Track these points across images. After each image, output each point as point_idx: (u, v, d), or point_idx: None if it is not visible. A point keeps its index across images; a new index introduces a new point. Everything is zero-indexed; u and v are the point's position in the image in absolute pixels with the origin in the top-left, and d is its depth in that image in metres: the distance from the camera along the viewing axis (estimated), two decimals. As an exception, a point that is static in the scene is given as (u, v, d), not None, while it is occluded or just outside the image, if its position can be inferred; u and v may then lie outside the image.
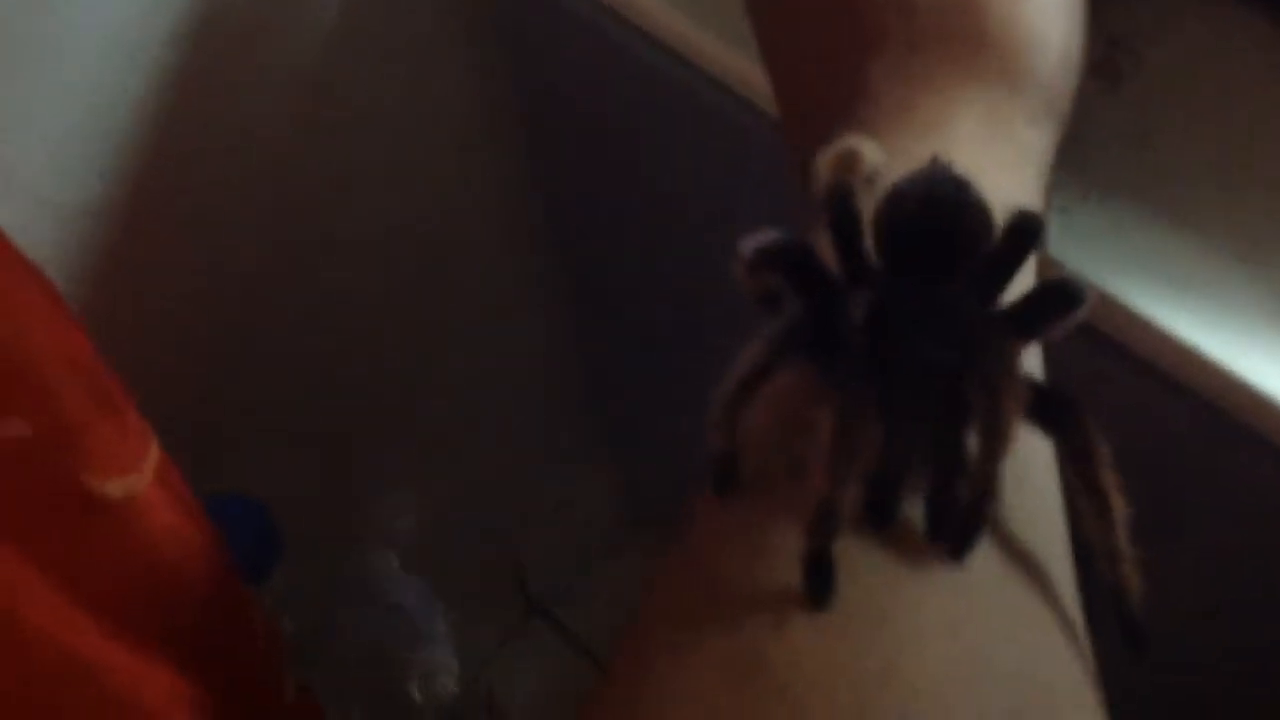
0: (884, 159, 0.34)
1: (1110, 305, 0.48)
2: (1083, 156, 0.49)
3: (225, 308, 0.75)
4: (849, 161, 0.33)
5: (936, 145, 0.38)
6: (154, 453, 0.47)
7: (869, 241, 0.32)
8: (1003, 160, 0.39)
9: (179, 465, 0.50)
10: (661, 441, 0.96)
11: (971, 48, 0.39)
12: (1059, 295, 0.32)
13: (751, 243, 0.32)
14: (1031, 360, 0.35)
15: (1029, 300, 0.32)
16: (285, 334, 0.79)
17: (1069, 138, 0.42)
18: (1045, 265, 0.49)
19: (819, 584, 0.28)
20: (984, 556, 0.29)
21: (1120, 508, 0.30)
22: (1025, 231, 0.32)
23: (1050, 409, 0.30)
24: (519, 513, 1.04)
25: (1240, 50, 0.53)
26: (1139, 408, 0.50)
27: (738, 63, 0.58)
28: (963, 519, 0.29)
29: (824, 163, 0.33)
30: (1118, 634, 0.30)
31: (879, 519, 0.29)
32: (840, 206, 0.32)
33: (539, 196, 0.86)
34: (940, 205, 0.32)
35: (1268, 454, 0.47)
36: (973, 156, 0.38)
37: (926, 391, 0.29)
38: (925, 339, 0.30)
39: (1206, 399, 0.48)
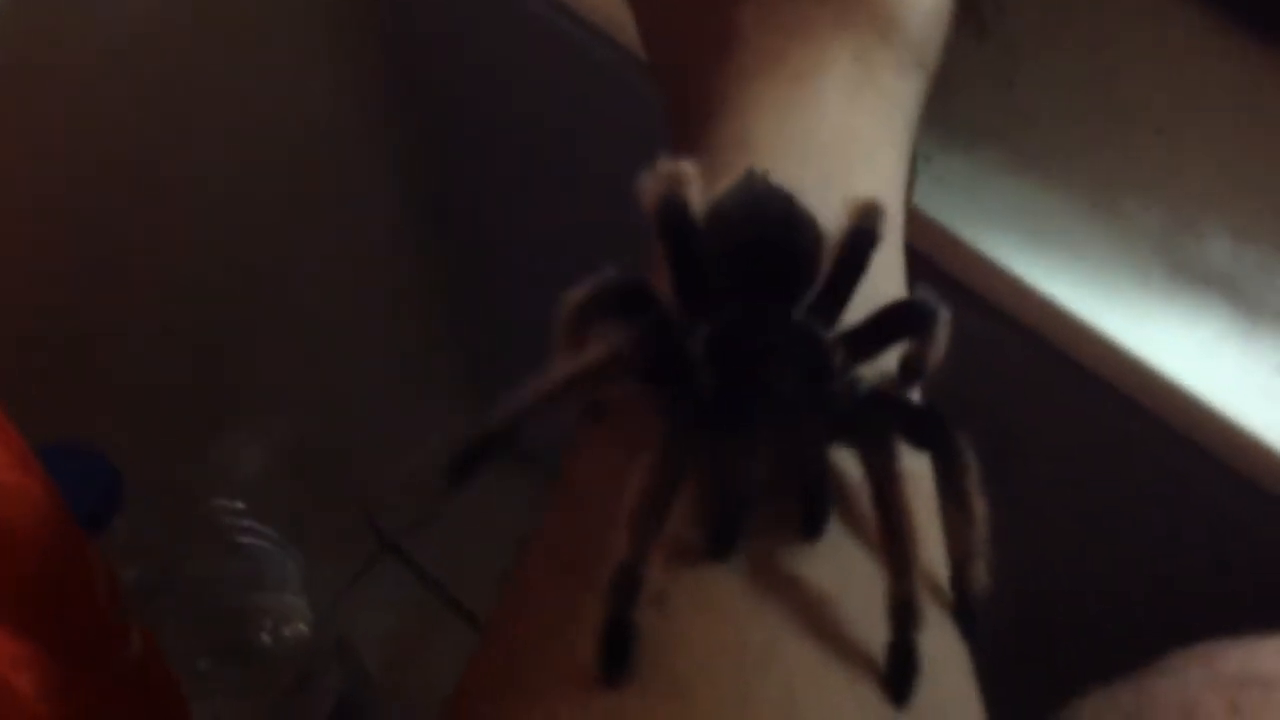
0: (708, 185, 0.33)
1: (968, 255, 0.49)
2: (945, 105, 0.49)
3: (58, 249, 0.72)
4: (674, 179, 0.32)
5: (807, 93, 0.38)
6: (-14, 406, 0.45)
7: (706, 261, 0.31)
8: (871, 110, 0.39)
9: (10, 415, 0.48)
10: (520, 375, 0.96)
11: None
12: (907, 317, 0.31)
13: (581, 290, 0.31)
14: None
15: (875, 321, 0.31)
16: (121, 275, 0.76)
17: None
18: (909, 215, 0.49)
19: (616, 657, 0.26)
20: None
21: (981, 510, 0.29)
22: (860, 242, 0.31)
23: (917, 425, 0.29)
24: (368, 453, 1.03)
25: (1098, -1, 0.53)
26: (994, 355, 0.51)
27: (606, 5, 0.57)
28: (892, 655, 0.27)
29: (649, 181, 0.32)
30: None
31: (718, 552, 0.27)
32: (672, 222, 0.31)
33: (403, 123, 0.84)
34: (765, 224, 0.32)
35: (1117, 400, 0.48)
36: (841, 105, 0.38)
37: (777, 445, 0.28)
38: (768, 373, 0.29)
39: (1062, 350, 0.49)
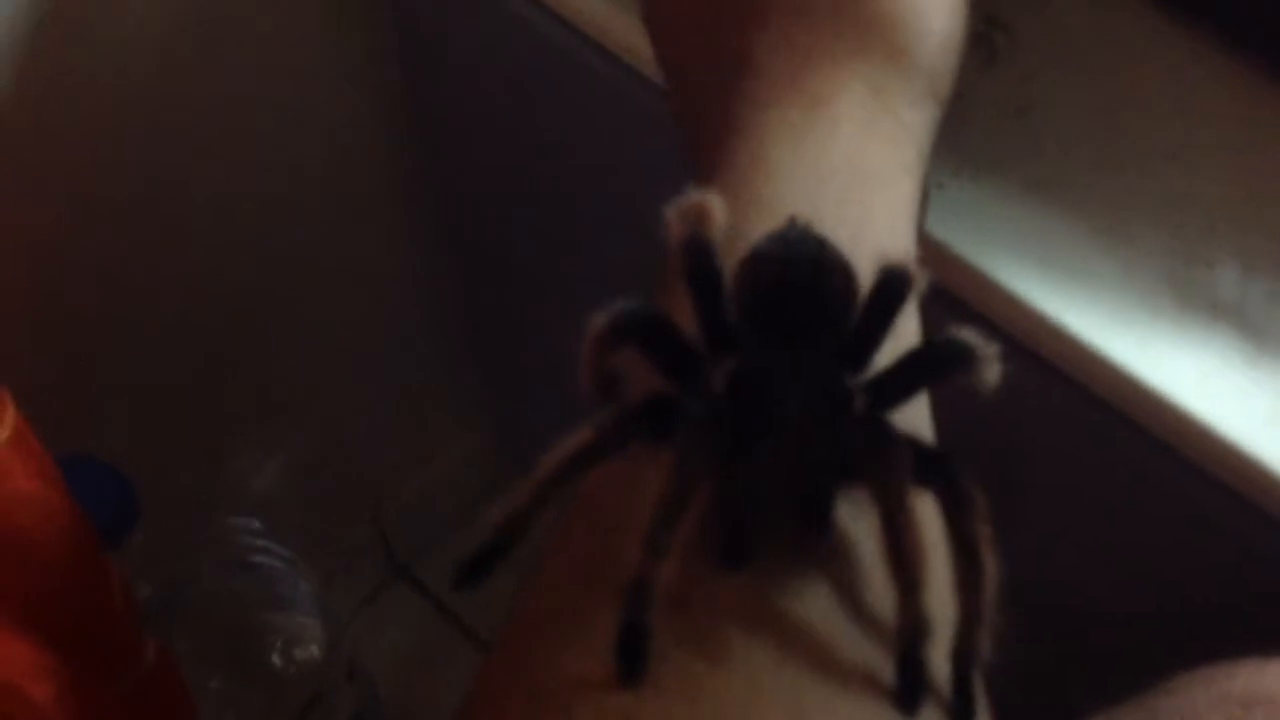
0: (729, 215, 0.32)
1: (979, 281, 0.49)
2: (957, 132, 0.49)
3: (78, 266, 0.73)
4: (699, 214, 0.32)
5: (821, 119, 0.39)
6: (10, 416, 0.46)
7: (729, 300, 0.31)
8: (886, 137, 0.39)
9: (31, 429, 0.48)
10: (532, 402, 0.96)
11: (858, 24, 0.39)
12: (930, 359, 0.31)
13: (603, 318, 0.30)
14: (919, 415, 0.35)
15: (899, 367, 0.31)
16: (140, 291, 0.77)
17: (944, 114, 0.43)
18: (921, 241, 0.49)
19: (631, 659, 0.26)
20: None
21: (993, 570, 0.28)
22: (893, 289, 0.31)
23: (929, 467, 0.29)
24: (381, 473, 1.03)
25: (1112, 25, 0.54)
26: (1003, 381, 0.51)
27: (622, 28, 0.57)
28: (902, 669, 0.27)
29: (673, 216, 0.32)
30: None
31: (731, 564, 0.28)
32: (697, 262, 0.31)
33: (416, 141, 0.85)
34: (801, 268, 0.31)
35: (1129, 430, 0.49)
36: (855, 133, 0.39)
37: (790, 459, 0.28)
38: (788, 414, 0.29)
39: (1071, 376, 0.49)
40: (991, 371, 0.31)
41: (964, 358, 0.30)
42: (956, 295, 0.50)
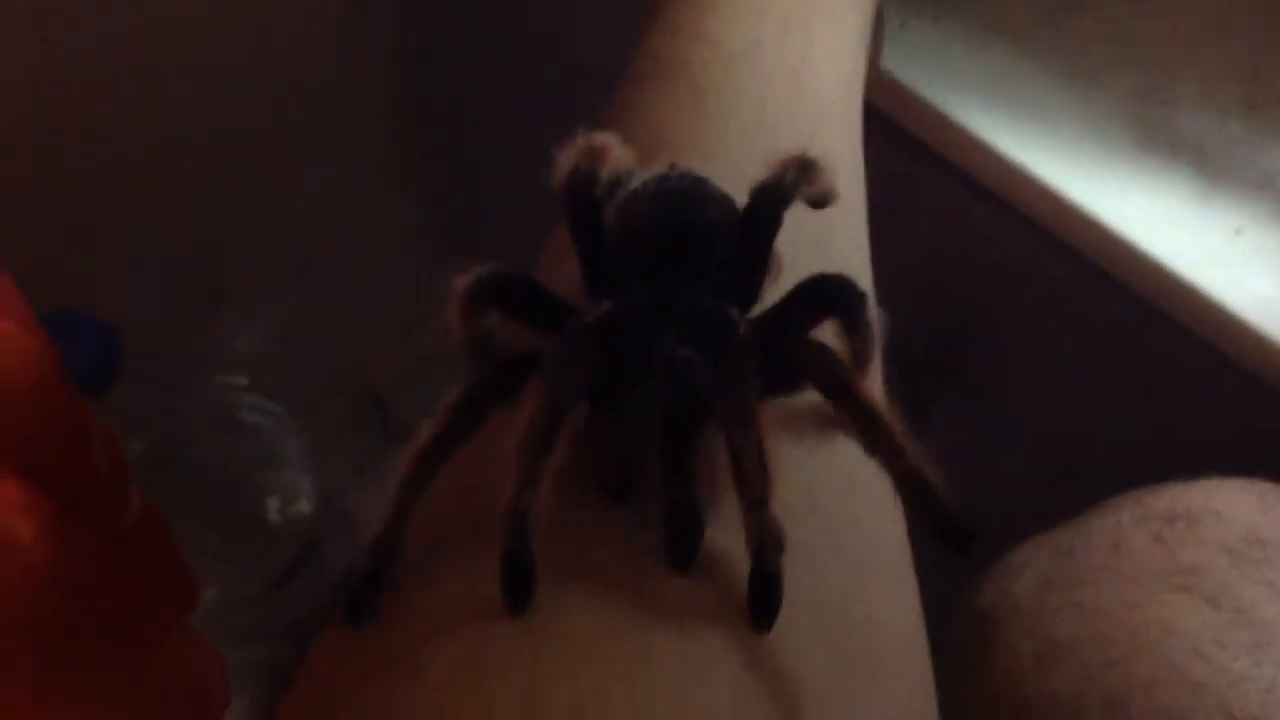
0: (633, 164, 0.31)
1: (940, 121, 0.50)
2: (920, -28, 0.49)
3: (64, 121, 0.73)
4: (595, 153, 0.30)
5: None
6: (-20, 258, 0.46)
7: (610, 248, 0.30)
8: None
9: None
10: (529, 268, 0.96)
11: None
12: (825, 294, 0.29)
13: (463, 281, 0.29)
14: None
15: (791, 299, 0.29)
16: (126, 149, 0.77)
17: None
18: (880, 82, 0.49)
19: (516, 589, 0.25)
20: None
21: (884, 408, 0.27)
22: (763, 217, 0.29)
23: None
24: (375, 336, 1.04)
25: None
26: (962, 221, 0.52)
27: None
28: (754, 583, 0.25)
29: (565, 154, 0.30)
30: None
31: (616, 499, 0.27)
32: (577, 198, 0.30)
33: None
34: (669, 203, 0.30)
35: (1085, 268, 0.49)
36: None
37: (654, 398, 0.27)
38: (650, 344, 0.27)
39: (1031, 217, 0.50)
40: (866, 324, 0.29)
41: (848, 301, 0.29)
42: (916, 135, 0.50)
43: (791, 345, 0.28)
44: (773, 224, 0.29)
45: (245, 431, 0.85)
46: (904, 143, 0.49)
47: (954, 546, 0.27)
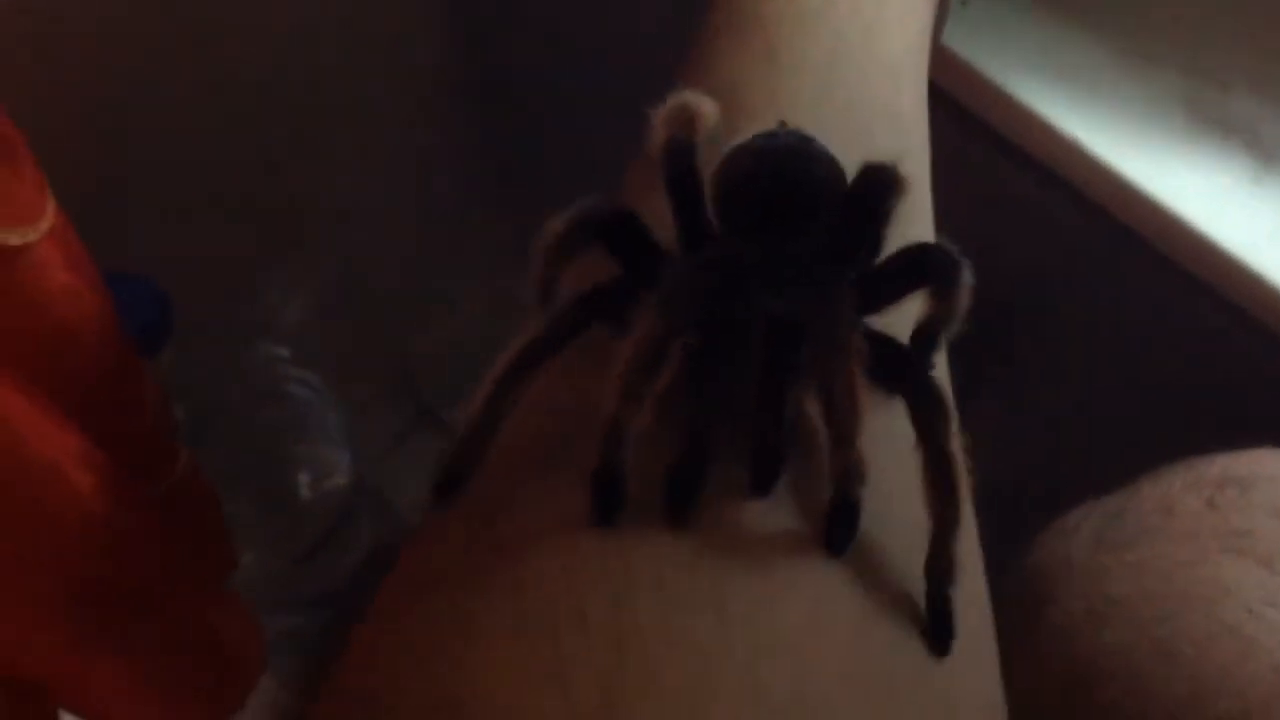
0: (717, 118, 0.31)
1: (998, 97, 0.50)
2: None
3: (122, 87, 0.74)
4: (686, 117, 0.30)
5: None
6: (51, 209, 0.47)
7: (710, 205, 0.30)
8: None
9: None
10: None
11: None
12: (925, 263, 0.29)
13: (564, 216, 0.29)
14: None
15: (890, 265, 0.29)
16: (184, 119, 0.78)
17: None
18: (939, 57, 0.50)
19: (607, 501, 0.26)
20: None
21: (963, 489, 0.26)
22: (877, 185, 0.29)
23: (893, 367, 0.28)
24: (412, 314, 1.04)
25: None
26: (1016, 195, 0.52)
27: None
28: (833, 509, 0.26)
29: (660, 119, 0.31)
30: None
31: (684, 487, 0.26)
32: (677, 164, 0.30)
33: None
34: (777, 159, 0.30)
35: (1139, 245, 0.50)
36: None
37: (749, 344, 0.27)
38: (755, 293, 0.27)
39: (1085, 193, 0.50)
40: (960, 294, 0.29)
41: (946, 271, 0.29)
42: (974, 111, 0.50)
43: (913, 376, 0.27)
44: (887, 198, 0.29)
45: (286, 403, 0.85)
46: (961, 118, 0.50)
47: (932, 636, 0.26)
